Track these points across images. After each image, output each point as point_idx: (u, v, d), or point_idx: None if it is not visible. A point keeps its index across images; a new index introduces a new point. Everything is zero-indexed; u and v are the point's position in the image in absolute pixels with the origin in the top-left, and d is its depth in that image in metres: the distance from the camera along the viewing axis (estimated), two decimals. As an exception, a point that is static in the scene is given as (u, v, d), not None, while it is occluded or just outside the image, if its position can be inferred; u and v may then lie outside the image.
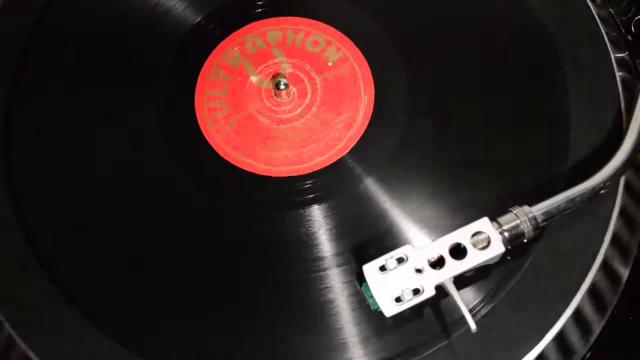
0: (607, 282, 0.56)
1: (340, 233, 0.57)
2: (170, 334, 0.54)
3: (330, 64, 0.64)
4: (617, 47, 0.64)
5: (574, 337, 0.54)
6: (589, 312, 0.55)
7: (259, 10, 0.67)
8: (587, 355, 0.56)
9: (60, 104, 0.64)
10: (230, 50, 0.65)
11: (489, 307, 0.53)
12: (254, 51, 0.65)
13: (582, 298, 0.54)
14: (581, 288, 0.54)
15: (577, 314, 0.54)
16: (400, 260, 0.51)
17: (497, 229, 0.52)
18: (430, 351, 0.52)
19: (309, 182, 0.59)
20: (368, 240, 0.56)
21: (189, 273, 0.56)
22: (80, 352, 0.54)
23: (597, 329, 0.56)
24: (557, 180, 0.57)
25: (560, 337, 0.53)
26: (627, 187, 0.58)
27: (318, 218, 0.57)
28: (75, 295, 0.55)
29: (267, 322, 0.54)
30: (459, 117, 0.61)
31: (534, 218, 0.52)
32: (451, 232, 0.52)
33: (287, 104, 0.63)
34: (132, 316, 0.55)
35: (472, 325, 0.50)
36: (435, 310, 0.53)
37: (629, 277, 0.58)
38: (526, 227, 0.52)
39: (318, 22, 0.66)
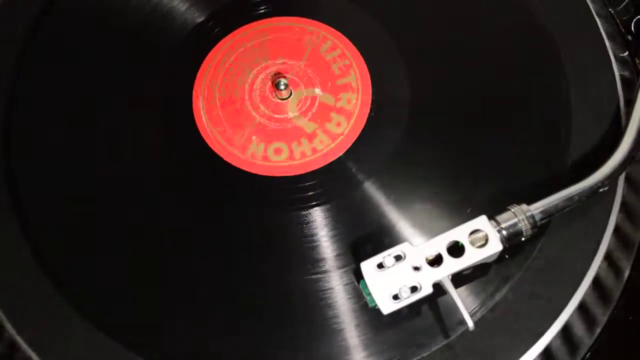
0: (608, 280, 0.56)
1: (339, 233, 0.57)
2: (170, 334, 0.54)
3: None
4: (617, 47, 0.64)
5: (575, 337, 0.54)
6: (590, 311, 0.55)
7: (260, 10, 0.68)
8: (588, 355, 0.55)
9: (60, 103, 0.64)
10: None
11: (489, 307, 0.53)
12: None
13: (583, 297, 0.54)
14: (582, 287, 0.54)
15: (578, 314, 0.54)
16: (398, 258, 0.51)
17: (495, 227, 0.52)
18: (430, 351, 0.52)
19: (308, 182, 0.59)
20: (366, 238, 0.56)
21: (189, 273, 0.56)
22: (82, 352, 0.54)
23: (597, 329, 0.56)
24: (556, 179, 0.57)
25: (561, 336, 0.53)
26: (628, 181, 0.58)
27: (318, 219, 0.57)
28: (76, 296, 0.56)
29: (266, 323, 0.54)
30: (458, 116, 0.61)
31: (532, 217, 0.52)
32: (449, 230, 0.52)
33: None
34: (133, 316, 0.55)
35: (470, 323, 0.50)
36: (435, 310, 0.53)
37: (629, 276, 0.58)
38: (524, 226, 0.52)
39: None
